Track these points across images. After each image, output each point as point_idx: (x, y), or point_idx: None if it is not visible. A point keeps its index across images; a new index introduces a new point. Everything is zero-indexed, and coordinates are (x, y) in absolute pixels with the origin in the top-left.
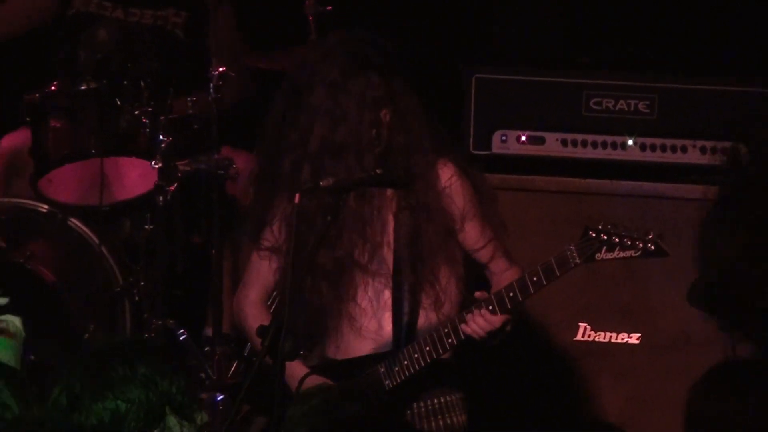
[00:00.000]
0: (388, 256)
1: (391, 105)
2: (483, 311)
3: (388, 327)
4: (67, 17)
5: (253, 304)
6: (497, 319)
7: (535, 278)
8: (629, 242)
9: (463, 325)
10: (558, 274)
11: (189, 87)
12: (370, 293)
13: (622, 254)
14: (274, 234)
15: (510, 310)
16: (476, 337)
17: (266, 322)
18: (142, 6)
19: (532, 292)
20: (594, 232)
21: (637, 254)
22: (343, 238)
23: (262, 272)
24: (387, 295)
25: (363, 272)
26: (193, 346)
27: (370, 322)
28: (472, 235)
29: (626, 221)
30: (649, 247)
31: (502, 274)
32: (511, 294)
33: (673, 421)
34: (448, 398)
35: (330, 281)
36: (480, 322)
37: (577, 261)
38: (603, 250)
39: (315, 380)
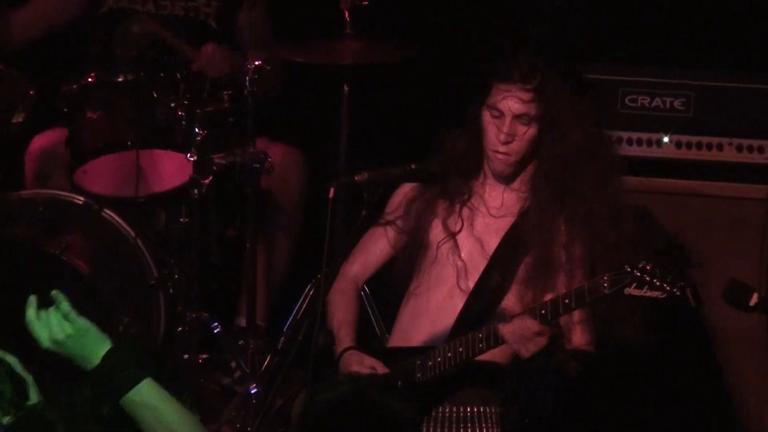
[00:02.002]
0: (482, 262)
1: (539, 123)
2: (521, 316)
3: (448, 327)
4: (99, 15)
5: (346, 279)
6: (533, 325)
7: (566, 300)
8: (658, 283)
9: (500, 325)
10: (587, 300)
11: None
12: (447, 288)
13: (649, 293)
14: (392, 207)
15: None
16: (510, 340)
17: (349, 303)
18: None
19: (561, 313)
20: (630, 267)
21: (662, 296)
22: (458, 218)
23: (370, 247)
24: (463, 297)
25: (455, 266)
26: (226, 339)
27: (434, 318)
28: (565, 286)
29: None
30: (675, 293)
31: (571, 341)
32: (543, 312)
33: (708, 418)
34: (483, 409)
35: (423, 263)
36: (516, 325)
37: (606, 291)
38: (633, 286)
39: (350, 357)
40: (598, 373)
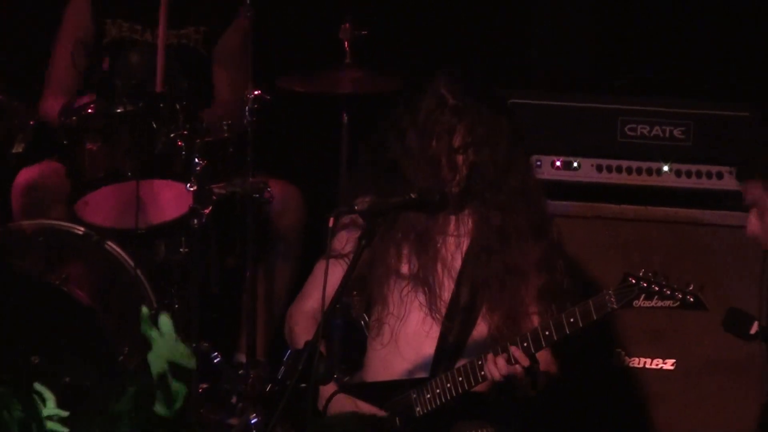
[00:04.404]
0: (449, 283)
1: (472, 148)
2: (515, 348)
3: (429, 352)
4: (103, 45)
5: (305, 315)
6: (522, 359)
7: (571, 319)
8: (668, 292)
9: (489, 364)
10: (594, 317)
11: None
12: (421, 315)
13: (660, 303)
14: (341, 243)
15: (542, 349)
16: (496, 376)
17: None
18: (168, 27)
19: (567, 332)
20: (634, 278)
21: (675, 305)
22: (415, 255)
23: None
24: (438, 321)
25: (424, 291)
26: (226, 369)
27: (415, 345)
28: (531, 294)
29: (664, 268)
30: (688, 299)
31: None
32: (547, 333)
33: None
34: None
35: (390, 293)
36: (503, 362)
37: (614, 306)
38: (641, 298)
39: (343, 400)
40: (591, 395)
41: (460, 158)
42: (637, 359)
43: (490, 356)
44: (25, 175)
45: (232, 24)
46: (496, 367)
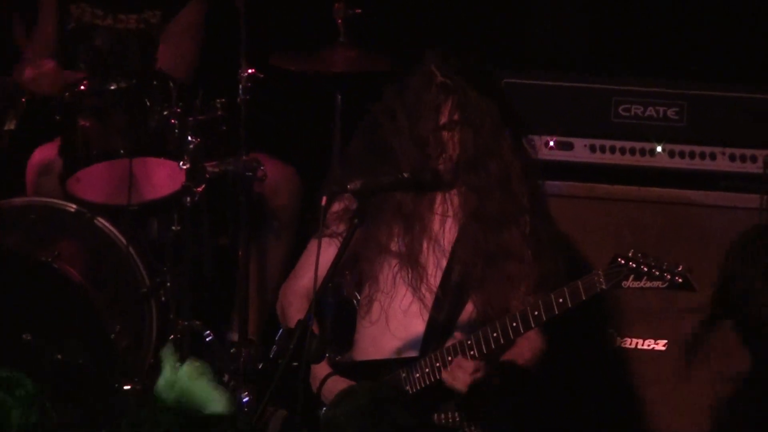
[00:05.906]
0: (440, 262)
1: (458, 127)
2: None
3: (419, 330)
4: (68, 31)
5: (298, 294)
6: (469, 365)
7: (561, 299)
8: (657, 273)
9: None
10: (584, 297)
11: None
12: (411, 293)
13: (649, 284)
14: (336, 222)
15: (531, 329)
16: (466, 381)
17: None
18: (127, 12)
19: (556, 312)
20: (623, 259)
21: (664, 286)
22: (405, 234)
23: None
24: (428, 299)
25: (413, 270)
26: (218, 348)
27: (404, 323)
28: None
29: (657, 249)
30: (677, 280)
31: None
32: (536, 313)
33: (698, 428)
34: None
35: (380, 271)
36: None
37: (603, 287)
38: (630, 278)
39: (337, 382)
40: (583, 375)
41: (446, 135)
42: (629, 340)
43: (445, 373)
44: (40, 154)
45: (187, 5)
46: (463, 373)
